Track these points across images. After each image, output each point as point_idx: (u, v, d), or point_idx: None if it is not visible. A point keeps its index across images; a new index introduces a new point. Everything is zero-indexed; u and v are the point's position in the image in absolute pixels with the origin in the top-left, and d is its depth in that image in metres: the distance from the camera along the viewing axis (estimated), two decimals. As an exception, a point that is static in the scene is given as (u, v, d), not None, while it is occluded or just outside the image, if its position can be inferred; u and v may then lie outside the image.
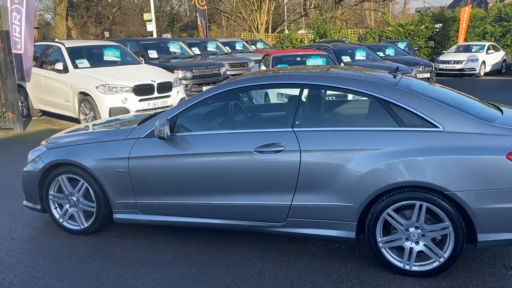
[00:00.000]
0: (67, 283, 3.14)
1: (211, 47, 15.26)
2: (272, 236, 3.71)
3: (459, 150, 2.88)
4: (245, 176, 3.28)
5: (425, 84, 3.70)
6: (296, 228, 3.28)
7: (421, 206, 2.94)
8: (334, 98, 3.49)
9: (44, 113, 9.99)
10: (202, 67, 11.08)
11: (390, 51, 15.23)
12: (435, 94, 3.25)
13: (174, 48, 12.54)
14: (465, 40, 20.44)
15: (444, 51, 19.42)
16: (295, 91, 3.39)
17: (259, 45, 20.76)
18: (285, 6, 33.99)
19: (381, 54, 14.10)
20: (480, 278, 3.05)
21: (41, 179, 3.87)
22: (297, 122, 3.25)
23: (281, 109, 3.56)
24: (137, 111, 8.08)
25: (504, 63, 19.28)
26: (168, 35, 28.68)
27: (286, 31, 31.95)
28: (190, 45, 13.65)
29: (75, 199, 3.83)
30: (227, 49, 15.99)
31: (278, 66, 8.93)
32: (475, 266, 3.18)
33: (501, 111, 3.33)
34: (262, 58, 10.52)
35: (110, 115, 7.86)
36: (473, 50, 18.09)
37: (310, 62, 9.13)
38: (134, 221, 3.70)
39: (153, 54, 11.74)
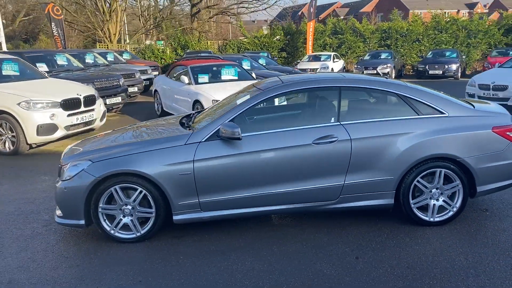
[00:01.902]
0: (177, 284, 3.36)
1: (89, 58, 14.66)
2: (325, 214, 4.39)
3: (461, 129, 4.04)
4: (305, 165, 3.93)
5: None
6: (347, 203, 4.06)
7: (440, 172, 4.02)
8: (364, 96, 4.35)
9: None
10: (103, 80, 10.81)
11: (262, 61, 16.72)
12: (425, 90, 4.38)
13: (61, 60, 11.86)
14: (313, 51, 23.38)
15: (299, 61, 21.94)
16: (331, 93, 4.17)
17: (126, 56, 20.39)
18: (124, 16, 33.48)
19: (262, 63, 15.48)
20: (467, 220, 4.25)
21: (89, 193, 3.86)
22: (341, 117, 4.04)
23: (323, 108, 4.28)
24: (65, 127, 7.71)
25: (344, 70, 22.69)
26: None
27: (127, 41, 31.65)
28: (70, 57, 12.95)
29: (130, 207, 3.93)
30: (103, 60, 15.50)
31: (199, 75, 9.40)
32: (461, 214, 4.36)
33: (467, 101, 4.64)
34: (170, 69, 10.78)
35: (38, 133, 7.38)
36: (322, 59, 20.91)
37: (224, 71, 9.81)
38: (195, 219, 3.99)
39: (42, 67, 10.94)
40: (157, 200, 3.91)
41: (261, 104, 4.22)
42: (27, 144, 7.50)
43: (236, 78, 9.78)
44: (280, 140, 3.93)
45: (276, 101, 4.92)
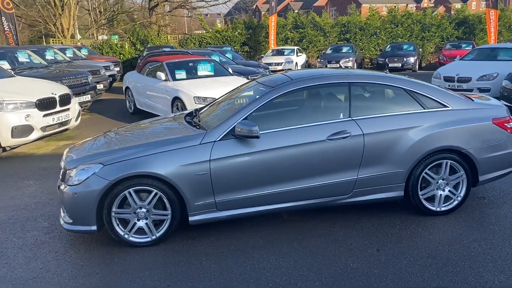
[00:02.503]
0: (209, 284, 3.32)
1: (49, 55, 14.01)
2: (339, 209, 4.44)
3: (465, 121, 4.21)
4: (320, 161, 3.98)
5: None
6: (359, 197, 4.15)
7: (446, 163, 4.18)
8: (373, 91, 4.42)
9: None
10: (71, 77, 10.38)
11: (228, 56, 16.62)
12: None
13: (23, 57, 11.27)
14: (276, 45, 23.48)
15: (262, 55, 21.99)
16: (341, 89, 4.23)
17: (84, 52, 19.67)
18: (77, 8, 32.21)
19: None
20: (468, 208, 4.45)
21: (102, 198, 3.72)
22: (353, 113, 4.10)
23: (334, 103, 4.32)
24: (41, 128, 7.36)
25: (307, 64, 22.99)
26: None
27: (78, 36, 30.56)
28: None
29: (145, 210, 3.82)
30: (64, 57, 14.88)
31: (176, 72, 9.22)
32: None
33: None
34: (143, 65, 10.50)
35: (12, 136, 7.00)
36: (285, 54, 21.06)
37: (201, 67, 9.68)
38: (211, 219, 3.94)
39: (3, 65, 10.34)
40: (173, 202, 3.83)
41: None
42: (1, 147, 7.09)
43: (212, 73, 9.68)
44: (295, 137, 3.94)
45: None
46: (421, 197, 4.22)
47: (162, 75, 9.16)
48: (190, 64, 9.73)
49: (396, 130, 4.07)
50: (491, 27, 23.48)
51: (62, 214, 4.05)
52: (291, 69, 19.56)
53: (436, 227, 4.06)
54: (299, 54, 21.34)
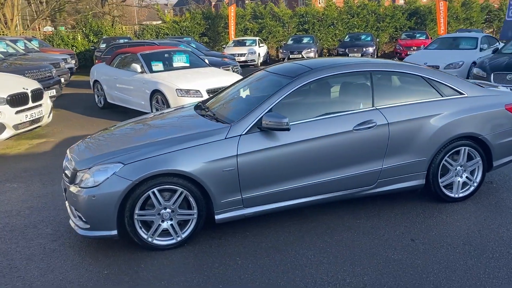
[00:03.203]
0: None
1: (1, 47, 13.05)
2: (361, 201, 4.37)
3: (480, 108, 4.27)
4: (346, 152, 3.89)
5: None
6: (383, 187, 4.11)
7: (464, 150, 4.22)
8: (393, 79, 4.36)
9: None
10: (34, 71, 9.70)
11: (193, 46, 16.21)
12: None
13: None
14: (235, 36, 23.21)
15: (224, 46, 21.66)
16: (363, 77, 4.14)
17: (35, 43, 18.51)
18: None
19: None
20: (482, 194, 4.55)
21: (124, 199, 3.44)
22: (376, 102, 4.04)
23: (357, 93, 4.21)
24: (14, 126, 6.79)
25: (268, 54, 22.92)
26: None
27: (21, 28, 28.73)
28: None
29: (169, 211, 3.58)
30: (18, 49, 13.91)
31: (152, 63, 8.83)
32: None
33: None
34: (113, 57, 9.97)
35: (-17, 134, 6.41)
36: (247, 44, 20.87)
37: (176, 58, 9.33)
38: (238, 217, 3.75)
39: (-44, 58, 9.52)
40: (199, 200, 3.61)
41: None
42: (-30, 148, 6.48)
43: (188, 65, 9.35)
44: (321, 128, 3.82)
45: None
46: (441, 184, 4.24)
47: (137, 67, 8.73)
48: (166, 55, 9.35)
49: (419, 118, 4.05)
50: (441, 18, 24.46)
51: (73, 218, 3.72)
52: (254, 60, 19.42)
53: (458, 213, 4.09)
54: (261, 45, 21.22)
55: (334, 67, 4.09)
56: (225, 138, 3.64)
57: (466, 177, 4.33)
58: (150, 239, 3.58)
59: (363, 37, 22.30)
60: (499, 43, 13.75)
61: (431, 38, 22.80)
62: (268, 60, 22.80)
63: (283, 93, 3.85)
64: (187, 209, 3.64)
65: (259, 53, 20.35)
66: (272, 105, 3.78)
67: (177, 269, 3.34)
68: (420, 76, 4.24)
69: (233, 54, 19.23)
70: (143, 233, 3.57)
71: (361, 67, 4.17)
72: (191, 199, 3.59)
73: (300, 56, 19.85)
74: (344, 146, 3.87)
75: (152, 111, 8.42)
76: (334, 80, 4.12)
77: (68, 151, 4.11)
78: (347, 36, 22.58)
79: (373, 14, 25.32)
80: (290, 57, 19.98)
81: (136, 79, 8.76)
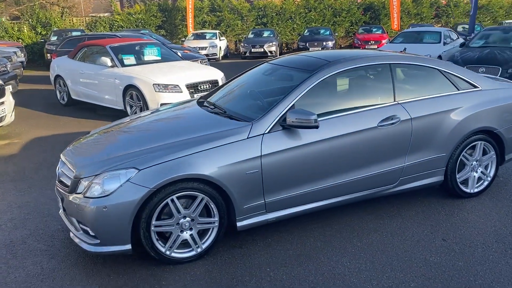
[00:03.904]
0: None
1: None
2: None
3: (494, 101, 4.20)
4: (370, 149, 3.68)
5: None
6: (404, 185, 3.94)
7: (480, 144, 4.14)
8: (410, 72, 4.17)
9: None
10: (-13, 65, 8.85)
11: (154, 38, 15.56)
12: None
13: None
14: (194, 28, 22.59)
15: (183, 39, 21.01)
16: (383, 70, 3.94)
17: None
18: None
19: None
20: (494, 188, 4.49)
21: (140, 209, 3.05)
22: (397, 96, 3.85)
23: (378, 86, 3.98)
24: (-25, 126, 6.09)
25: (227, 48, 22.50)
26: None
27: None
28: None
29: (189, 219, 3.22)
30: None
31: (123, 56, 8.26)
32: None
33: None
34: (76, 50, 9.26)
35: None
36: (207, 37, 20.36)
37: (147, 51, 8.79)
38: (260, 223, 3.46)
39: None
40: (221, 206, 3.28)
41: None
42: None
43: (159, 58, 8.84)
44: (345, 125, 3.59)
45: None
46: (458, 180, 4.14)
47: (107, 61, 8.13)
48: (137, 48, 8.79)
49: (439, 113, 3.92)
50: (394, 13, 25.09)
51: (75, 232, 3.27)
52: (215, 53, 18.98)
53: (478, 210, 4.01)
54: (221, 38, 20.78)
55: (354, 60, 3.86)
56: (247, 138, 3.32)
57: (481, 172, 4.25)
58: (168, 252, 3.21)
59: (322, 31, 22.42)
60: (458, 37, 14.19)
61: (387, 33, 23.34)
62: (228, 54, 22.39)
63: (304, 87, 3.57)
64: (206, 217, 3.29)
65: (220, 47, 19.91)
66: (294, 101, 3.50)
67: (204, 285, 3.00)
68: (437, 69, 4.10)
69: (194, 48, 18.68)
70: (160, 246, 3.19)
71: (380, 60, 3.97)
72: (212, 205, 3.25)
73: (262, 50, 19.63)
74: (369, 143, 3.66)
75: (125, 108, 7.89)
76: (354, 73, 3.90)
77: (62, 156, 3.63)
78: (306, 31, 22.61)
79: (329, 9, 25.50)
80: (252, 51, 19.71)
81: (106, 74, 8.16)
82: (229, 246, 3.49)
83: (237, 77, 4.67)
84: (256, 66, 4.64)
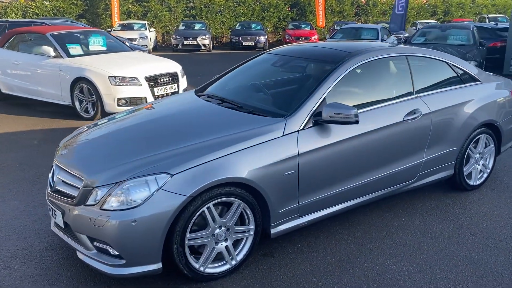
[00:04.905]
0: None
1: None
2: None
3: (494, 95, 4.27)
4: (396, 145, 3.54)
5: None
6: (421, 180, 3.86)
7: (483, 137, 4.20)
8: (423, 65, 4.03)
9: None
10: None
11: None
12: None
13: None
14: (119, 18, 21.30)
15: (109, 29, 19.70)
16: (401, 62, 3.80)
17: None
18: None
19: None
20: (493, 179, 4.60)
21: (174, 221, 2.61)
22: (416, 89, 3.74)
23: (397, 79, 3.79)
24: None
25: (156, 40, 21.55)
26: None
27: None
28: None
29: (224, 229, 2.83)
30: None
31: (68, 46, 7.38)
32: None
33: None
34: (7, 38, 8.11)
35: None
36: (135, 28, 19.30)
37: (92, 40, 7.97)
38: (293, 228, 3.16)
39: None
40: (257, 213, 2.93)
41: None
42: None
43: (105, 48, 8.07)
44: (373, 120, 3.40)
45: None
46: (465, 174, 4.15)
47: (50, 50, 7.21)
48: (81, 36, 7.92)
49: (453, 106, 3.88)
50: (320, 10, 25.76)
51: (86, 252, 2.73)
52: (146, 45, 18.05)
53: (487, 202, 4.05)
54: (151, 29, 19.81)
55: (374, 51, 3.67)
56: (283, 135, 2.99)
57: (482, 164, 4.31)
58: (202, 268, 2.79)
59: (253, 25, 22.36)
60: (391, 34, 14.83)
61: (315, 29, 23.88)
62: (157, 46, 21.43)
63: (332, 80, 3.31)
64: (240, 225, 2.92)
65: (150, 38, 18.96)
66: (324, 95, 3.22)
67: None
68: (445, 61, 4.07)
69: (126, 39, 17.58)
70: (194, 262, 2.76)
71: (397, 51, 3.83)
72: (248, 212, 2.89)
73: (196, 42, 19.03)
74: (395, 138, 3.51)
75: (73, 103, 7.06)
76: (375, 65, 3.69)
77: (57, 160, 3.02)
78: (238, 25, 22.41)
79: (258, 3, 25.50)
80: (185, 43, 19.04)
81: (49, 65, 7.24)
82: (258, 255, 3.14)
83: (234, 69, 4.28)
84: (254, 57, 4.28)
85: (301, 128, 3.06)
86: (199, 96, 3.83)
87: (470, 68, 4.27)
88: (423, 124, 3.65)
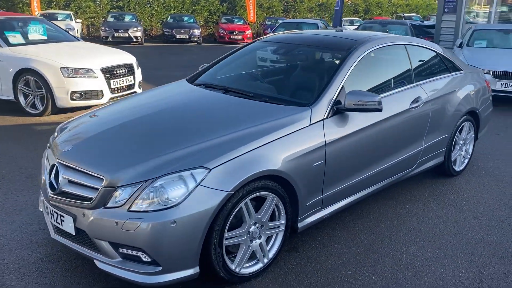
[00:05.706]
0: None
1: None
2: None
3: (474, 84, 4.46)
4: (404, 132, 3.57)
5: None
6: (419, 168, 3.93)
7: (467, 124, 4.38)
8: (418, 54, 4.05)
9: None
10: None
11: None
12: None
13: None
14: (40, 8, 19.67)
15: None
16: (402, 51, 3.82)
17: None
18: None
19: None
20: (474, 165, 4.83)
21: (214, 220, 2.38)
22: (415, 77, 3.79)
23: (399, 67, 3.75)
24: None
25: (82, 32, 20.24)
26: None
27: None
28: None
29: (259, 226, 2.64)
30: None
31: (6, 33, 6.61)
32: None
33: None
34: None
35: None
36: (60, 19, 17.96)
37: (31, 29, 7.21)
38: (317, 221, 3.05)
39: None
40: (288, 206, 2.77)
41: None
42: None
43: (46, 38, 7.37)
44: (388, 106, 3.35)
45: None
46: (452, 159, 4.30)
47: (-15, 38, 6.41)
48: (19, 24, 7.13)
49: (446, 94, 4.00)
50: (250, 5, 25.78)
51: (109, 261, 2.39)
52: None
53: (474, 186, 4.22)
54: (77, 20, 18.54)
55: (378, 39, 3.64)
56: (310, 125, 2.86)
57: (465, 150, 4.50)
58: (237, 269, 2.58)
59: (186, 18, 21.85)
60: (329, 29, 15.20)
61: (248, 24, 23.87)
62: (83, 39, 20.09)
63: (347, 68, 3.22)
64: (270, 220, 2.75)
65: (77, 30, 17.75)
66: (342, 82, 3.13)
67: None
68: (434, 51, 4.17)
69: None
70: (230, 263, 2.54)
71: (396, 40, 3.83)
72: (280, 206, 2.72)
73: (127, 35, 18.15)
74: (404, 126, 3.54)
75: (16, 98, 6.35)
76: (381, 52, 3.66)
77: (60, 159, 2.63)
78: (169, 17, 21.74)
79: (189, -4, 24.93)
80: (115, 35, 18.08)
81: (-14, 55, 6.43)
82: (283, 251, 2.98)
83: (226, 57, 4.04)
84: (246, 46, 4.09)
85: (325, 117, 2.94)
86: (207, 86, 3.54)
87: (454, 57, 4.42)
88: (424, 111, 3.71)
